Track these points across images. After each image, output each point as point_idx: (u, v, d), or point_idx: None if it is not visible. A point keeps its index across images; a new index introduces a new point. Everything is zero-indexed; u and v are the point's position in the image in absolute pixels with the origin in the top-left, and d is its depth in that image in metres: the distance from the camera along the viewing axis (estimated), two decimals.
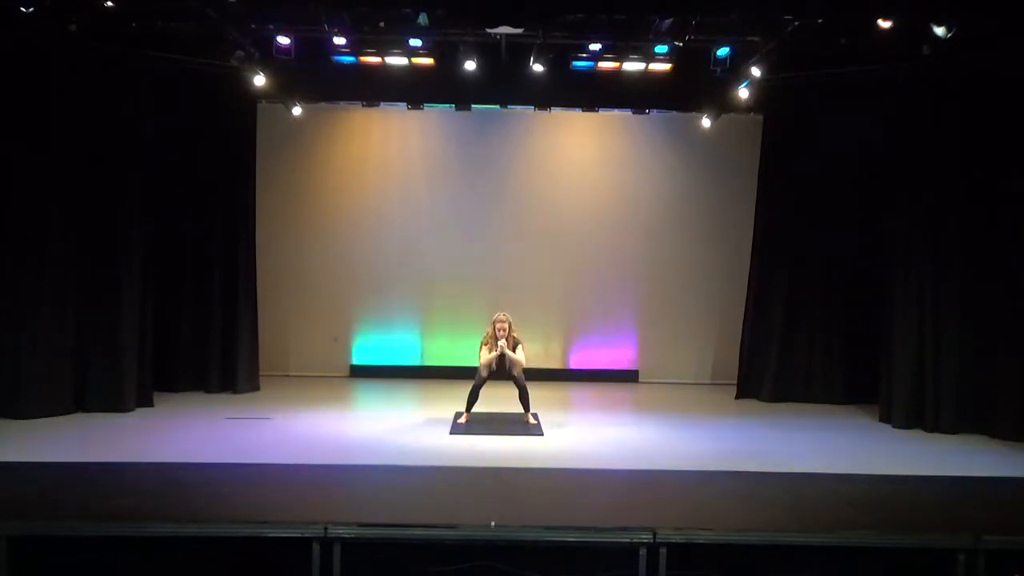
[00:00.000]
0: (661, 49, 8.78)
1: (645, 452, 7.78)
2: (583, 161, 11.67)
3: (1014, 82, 8.22)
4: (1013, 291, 8.43)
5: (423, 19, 8.46)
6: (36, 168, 8.44)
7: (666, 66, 9.07)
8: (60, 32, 8.14)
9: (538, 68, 9.02)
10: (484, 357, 8.55)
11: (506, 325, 8.51)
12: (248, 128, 10.23)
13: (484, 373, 8.56)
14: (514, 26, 8.11)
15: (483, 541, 5.26)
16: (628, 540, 5.22)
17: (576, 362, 11.75)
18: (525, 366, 8.62)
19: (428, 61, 9.15)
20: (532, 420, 8.61)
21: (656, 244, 11.63)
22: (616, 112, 11.21)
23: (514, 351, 8.50)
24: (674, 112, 11.03)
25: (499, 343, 8.44)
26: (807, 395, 10.30)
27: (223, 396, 9.89)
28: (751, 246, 10.65)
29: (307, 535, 5.17)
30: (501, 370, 8.55)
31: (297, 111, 10.46)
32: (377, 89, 10.10)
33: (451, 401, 9.24)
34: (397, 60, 9.11)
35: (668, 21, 8.41)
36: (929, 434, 8.66)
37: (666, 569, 5.16)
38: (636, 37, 8.68)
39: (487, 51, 9.06)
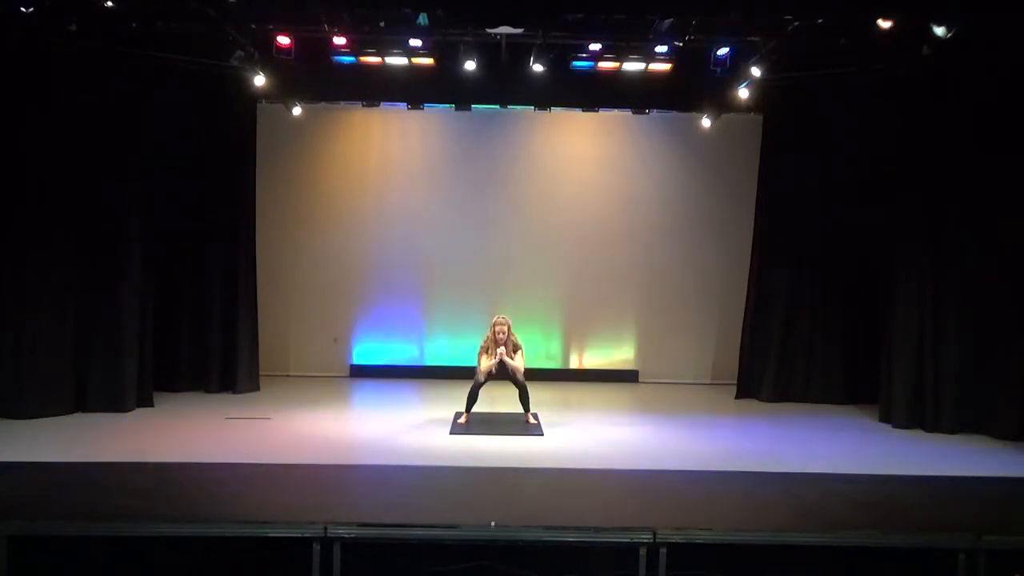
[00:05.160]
0: (661, 49, 8.78)
1: (645, 452, 7.79)
2: (583, 161, 11.66)
3: (1014, 82, 8.22)
4: (1013, 291, 8.43)
5: (423, 19, 8.46)
6: (36, 168, 8.44)
7: (666, 66, 9.07)
8: (60, 32, 8.14)
9: (538, 68, 9.01)
10: (483, 364, 8.55)
11: (505, 328, 8.50)
12: (248, 128, 10.22)
13: (482, 379, 8.56)
14: (514, 26, 8.12)
15: (483, 541, 5.27)
16: (628, 540, 5.23)
17: (576, 362, 11.75)
18: (524, 369, 8.60)
19: (428, 61, 9.15)
20: (532, 420, 8.61)
21: (656, 244, 11.61)
22: (616, 112, 11.19)
23: (513, 356, 8.50)
24: (674, 112, 11.01)
25: (498, 351, 8.44)
26: (807, 395, 10.30)
27: (223, 396, 9.88)
28: (751, 246, 10.65)
29: (307, 535, 5.17)
30: (501, 373, 8.55)
31: (297, 111, 10.45)
32: (377, 89, 10.08)
33: (451, 401, 9.24)
34: (397, 60, 9.10)
35: (668, 21, 8.40)
36: (929, 434, 8.65)
37: (666, 569, 5.17)
38: (636, 37, 8.68)
39: (487, 51, 9.06)
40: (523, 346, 8.69)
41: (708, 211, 11.56)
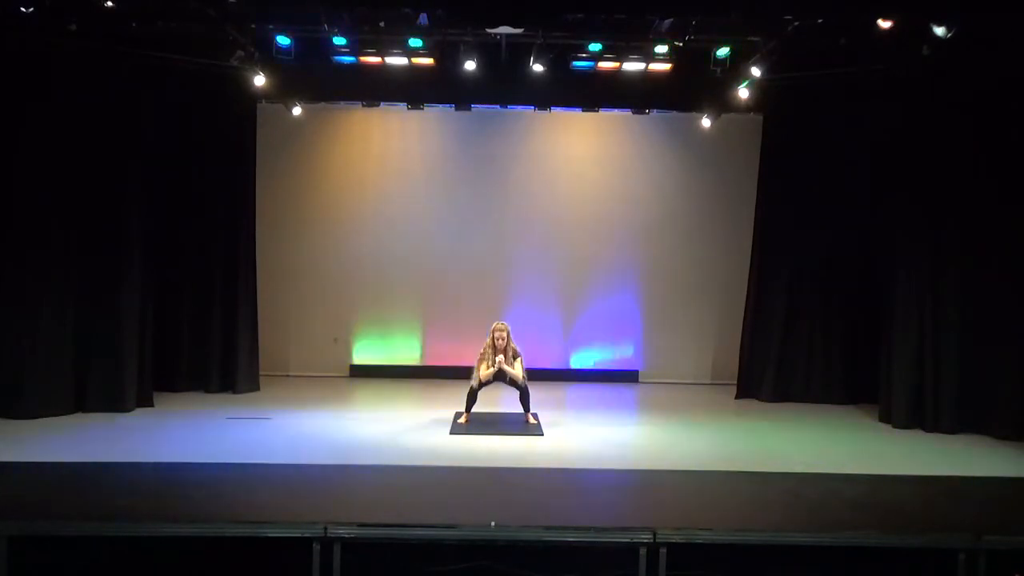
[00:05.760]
0: (661, 49, 8.79)
1: (645, 452, 7.79)
2: (583, 161, 11.66)
3: (1013, 81, 8.22)
4: (1013, 291, 8.42)
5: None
6: (36, 168, 8.44)
7: (666, 66, 9.06)
8: (60, 32, 8.14)
9: (538, 68, 9.01)
10: (482, 372, 8.52)
11: (504, 335, 8.48)
12: (248, 128, 10.22)
13: (477, 386, 8.54)
14: (514, 26, 8.12)
15: (483, 541, 5.27)
16: (628, 540, 5.23)
17: (576, 362, 11.75)
18: (522, 379, 8.59)
19: (428, 61, 9.14)
20: (532, 420, 8.61)
21: (656, 244, 11.62)
22: (616, 112, 11.19)
23: (512, 364, 8.49)
24: (674, 112, 11.02)
25: (498, 358, 8.42)
26: (807, 395, 10.30)
27: (223, 396, 9.89)
28: (751, 246, 10.66)
29: (307, 535, 5.18)
30: (500, 380, 8.55)
31: (297, 111, 10.45)
32: (377, 89, 10.09)
33: (451, 401, 9.24)
34: (397, 60, 9.10)
35: (668, 21, 8.41)
36: (929, 434, 8.66)
37: (666, 569, 5.17)
38: (636, 37, 8.68)
39: (487, 51, 9.06)
40: (522, 354, 8.68)
41: (708, 211, 11.56)
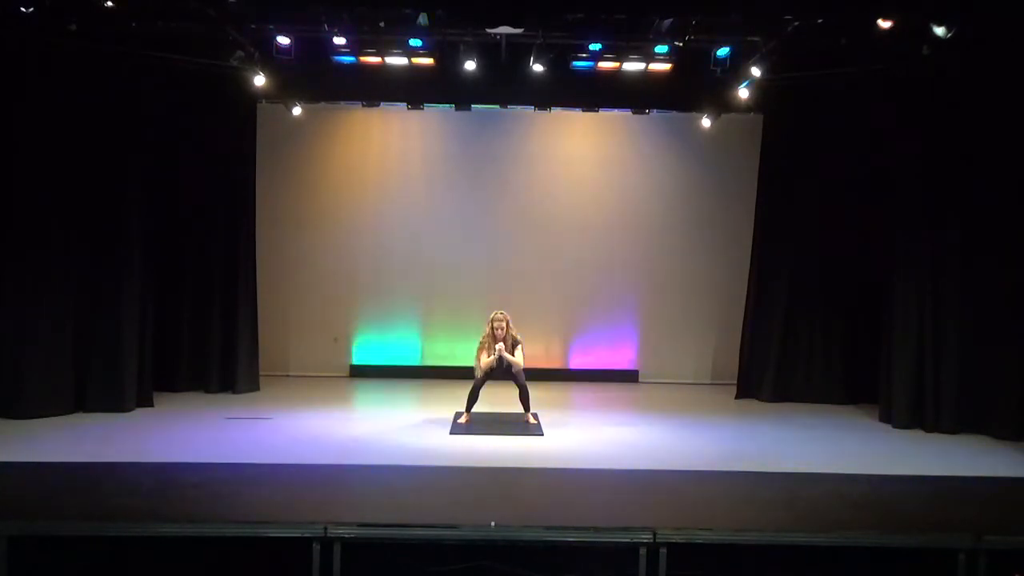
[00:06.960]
0: (661, 49, 8.79)
1: (645, 452, 7.78)
2: (583, 161, 11.66)
3: (1013, 81, 8.22)
4: (1013, 291, 8.42)
5: (423, 19, 8.46)
6: (36, 168, 8.44)
7: (666, 66, 9.07)
8: (60, 32, 8.14)
9: (538, 68, 9.01)
10: (483, 361, 8.53)
11: (504, 324, 8.47)
12: (248, 128, 10.23)
13: (481, 377, 8.55)
14: (514, 26, 8.12)
15: (483, 541, 5.27)
16: (628, 540, 5.23)
17: (576, 362, 11.74)
18: (524, 367, 8.60)
19: (428, 61, 9.15)
20: (532, 420, 8.61)
21: (656, 244, 11.62)
22: (616, 112, 11.19)
23: (512, 351, 8.48)
24: (674, 112, 11.02)
25: (497, 346, 8.42)
26: (807, 395, 10.30)
27: (223, 396, 9.89)
28: (751, 246, 10.65)
29: (307, 535, 5.18)
30: (500, 369, 8.53)
31: (297, 111, 10.45)
32: (377, 89, 10.09)
33: (451, 401, 9.24)
34: (397, 60, 9.11)
35: (668, 21, 8.41)
36: (929, 434, 8.66)
37: (666, 569, 5.17)
38: (636, 37, 8.69)
39: (487, 51, 9.06)
40: (523, 341, 8.66)
41: (708, 211, 11.56)
